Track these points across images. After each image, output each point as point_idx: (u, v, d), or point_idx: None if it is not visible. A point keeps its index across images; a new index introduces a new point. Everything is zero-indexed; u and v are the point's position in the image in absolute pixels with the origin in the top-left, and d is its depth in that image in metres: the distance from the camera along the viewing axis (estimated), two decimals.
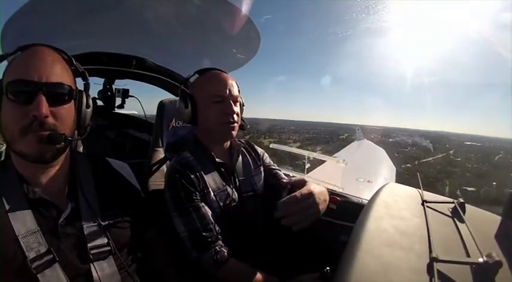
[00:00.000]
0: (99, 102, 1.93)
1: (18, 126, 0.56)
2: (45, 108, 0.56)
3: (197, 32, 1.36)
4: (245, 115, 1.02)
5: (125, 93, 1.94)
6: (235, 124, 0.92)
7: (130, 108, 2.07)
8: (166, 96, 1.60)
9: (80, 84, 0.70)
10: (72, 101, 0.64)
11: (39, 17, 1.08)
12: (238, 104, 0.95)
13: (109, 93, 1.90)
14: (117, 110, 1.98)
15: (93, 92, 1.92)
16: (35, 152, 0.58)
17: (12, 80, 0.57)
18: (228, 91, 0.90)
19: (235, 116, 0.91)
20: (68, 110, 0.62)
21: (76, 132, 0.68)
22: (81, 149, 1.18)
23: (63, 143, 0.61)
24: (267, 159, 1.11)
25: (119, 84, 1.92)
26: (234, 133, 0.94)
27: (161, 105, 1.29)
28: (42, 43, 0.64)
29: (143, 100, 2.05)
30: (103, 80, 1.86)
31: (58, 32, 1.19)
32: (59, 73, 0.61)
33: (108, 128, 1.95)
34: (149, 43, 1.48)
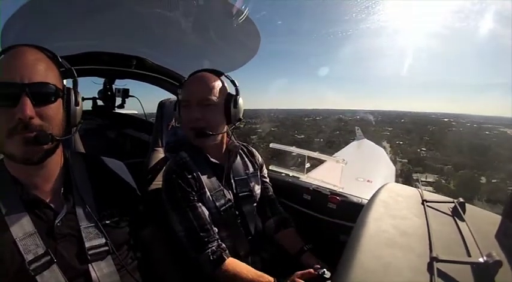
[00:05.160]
0: (99, 102, 1.93)
1: (5, 129, 0.56)
2: (29, 109, 0.55)
3: (198, 32, 1.36)
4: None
5: (125, 93, 1.95)
6: (201, 130, 0.88)
7: (130, 107, 2.08)
8: (166, 95, 1.60)
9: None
10: (60, 100, 0.62)
11: (39, 17, 1.08)
12: (212, 106, 0.90)
13: (109, 93, 1.90)
14: (117, 110, 1.98)
15: (93, 91, 1.92)
16: (22, 153, 0.57)
17: None
18: (192, 94, 0.90)
19: (199, 121, 0.88)
20: (54, 109, 0.61)
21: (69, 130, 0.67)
22: (81, 149, 1.18)
23: (50, 143, 0.59)
24: (264, 170, 1.12)
25: (119, 84, 1.92)
26: (204, 139, 0.90)
27: (161, 105, 1.30)
28: (24, 43, 0.62)
29: (143, 100, 2.05)
30: (103, 79, 1.86)
31: (58, 32, 1.19)
32: (42, 72, 0.59)
33: (108, 127, 1.96)
34: (149, 43, 1.47)
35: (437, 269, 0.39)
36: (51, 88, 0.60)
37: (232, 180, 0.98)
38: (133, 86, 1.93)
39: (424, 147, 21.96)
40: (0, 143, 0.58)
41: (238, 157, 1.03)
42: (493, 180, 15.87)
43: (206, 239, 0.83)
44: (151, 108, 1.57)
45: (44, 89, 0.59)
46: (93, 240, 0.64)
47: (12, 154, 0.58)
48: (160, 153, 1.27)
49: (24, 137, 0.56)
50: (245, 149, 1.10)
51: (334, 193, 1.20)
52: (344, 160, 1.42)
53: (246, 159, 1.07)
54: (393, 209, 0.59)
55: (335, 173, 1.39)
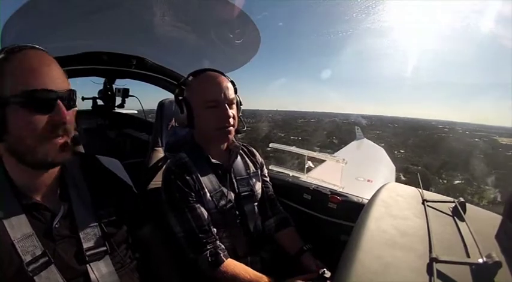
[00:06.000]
0: (100, 102, 1.93)
1: (37, 135, 0.55)
2: (66, 114, 0.57)
3: (198, 32, 1.36)
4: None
5: (125, 93, 1.94)
6: (231, 128, 0.91)
7: (130, 107, 2.08)
8: (167, 95, 1.61)
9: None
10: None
11: (39, 17, 1.08)
12: (234, 105, 0.93)
13: (109, 92, 1.90)
14: (117, 110, 1.98)
15: (94, 91, 1.92)
16: (58, 157, 0.59)
17: (30, 89, 0.54)
18: (222, 95, 0.88)
19: (231, 119, 0.89)
20: (74, 114, 0.63)
21: None
22: (81, 150, 1.18)
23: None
24: (265, 170, 1.12)
25: (119, 83, 1.92)
26: (231, 137, 0.93)
27: (161, 105, 1.30)
28: (30, 45, 0.60)
29: (143, 98, 2.05)
30: (103, 79, 1.86)
31: (58, 32, 1.19)
32: (64, 77, 0.60)
33: (109, 127, 1.96)
34: (149, 43, 1.47)
35: (437, 269, 0.39)
36: (74, 93, 0.62)
37: (234, 180, 0.98)
38: (133, 85, 1.93)
39: (402, 149, 22.85)
40: (29, 150, 0.56)
41: (239, 157, 1.03)
42: (456, 181, 16.37)
43: (205, 240, 0.83)
44: (152, 105, 1.58)
45: (70, 94, 0.61)
46: (91, 240, 0.64)
47: (45, 160, 0.58)
48: (160, 153, 1.27)
49: (61, 141, 0.58)
50: (245, 149, 1.10)
51: (334, 193, 1.20)
52: (344, 160, 1.42)
53: (247, 158, 1.07)
54: (393, 208, 0.59)
55: (335, 173, 1.40)
